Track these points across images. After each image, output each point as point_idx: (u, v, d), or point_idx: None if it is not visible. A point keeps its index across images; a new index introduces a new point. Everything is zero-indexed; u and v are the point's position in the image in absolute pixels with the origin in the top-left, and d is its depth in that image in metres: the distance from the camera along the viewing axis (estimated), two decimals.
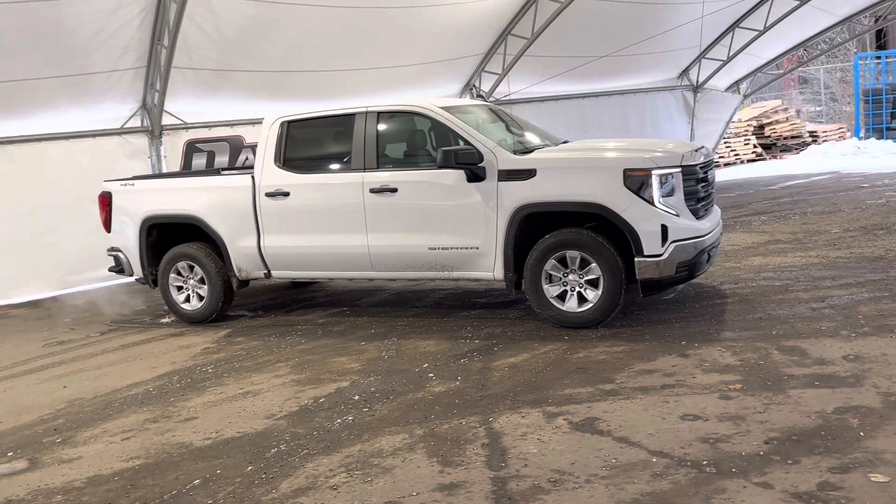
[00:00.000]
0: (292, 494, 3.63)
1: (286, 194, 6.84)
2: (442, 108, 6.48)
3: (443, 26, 11.48)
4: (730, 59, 14.89)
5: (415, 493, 3.50)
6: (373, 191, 6.46)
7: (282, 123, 7.04)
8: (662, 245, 5.63)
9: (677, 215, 5.72)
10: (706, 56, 15.19)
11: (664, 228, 5.63)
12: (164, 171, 10.63)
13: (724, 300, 6.37)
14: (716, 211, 6.56)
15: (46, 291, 9.92)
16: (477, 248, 6.18)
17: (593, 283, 5.87)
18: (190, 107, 10.89)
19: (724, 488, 3.25)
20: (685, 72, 15.61)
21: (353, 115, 6.74)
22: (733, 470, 3.42)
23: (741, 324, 5.64)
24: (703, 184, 6.04)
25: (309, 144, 6.97)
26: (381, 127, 6.62)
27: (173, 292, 7.54)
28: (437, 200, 6.28)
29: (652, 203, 5.64)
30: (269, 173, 6.95)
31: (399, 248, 6.48)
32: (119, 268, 7.90)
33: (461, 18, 11.54)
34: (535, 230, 6.05)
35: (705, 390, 4.40)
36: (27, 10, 8.28)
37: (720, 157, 19.47)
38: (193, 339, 6.89)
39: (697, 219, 5.90)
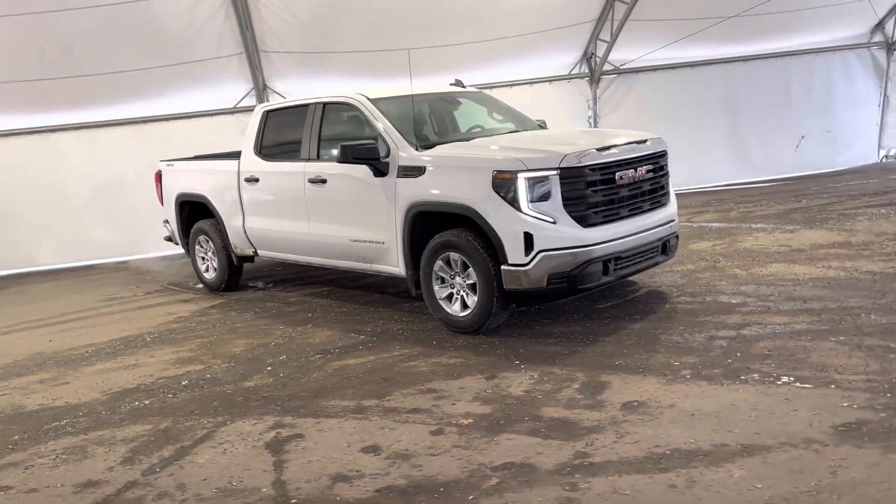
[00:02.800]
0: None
1: (257, 180, 7.34)
2: (373, 98, 6.48)
3: None
4: None
5: (59, 485, 3.87)
6: (310, 181, 6.71)
7: (263, 112, 7.50)
8: (527, 254, 5.22)
9: (553, 222, 5.24)
10: None
11: (528, 236, 5.21)
12: None
13: (645, 317, 5.70)
14: (653, 214, 5.83)
15: (164, 251, 11.49)
16: (383, 244, 6.19)
17: (474, 288, 5.62)
18: (295, 86, 11.76)
19: None
20: (879, 26, 13.19)
21: (307, 105, 7.00)
22: None
23: (607, 348, 5.09)
24: (603, 186, 5.42)
25: (278, 133, 7.35)
26: (323, 117, 6.79)
27: (199, 262, 8.46)
28: (354, 193, 6.36)
29: (518, 208, 5.22)
30: (248, 160, 7.48)
31: (330, 237, 6.69)
32: (170, 237, 9.00)
33: None
34: (435, 228, 5.89)
35: (436, 421, 4.16)
36: (127, 9, 9.56)
37: None
38: (185, 307, 7.74)
39: (587, 226, 5.33)
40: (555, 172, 5.23)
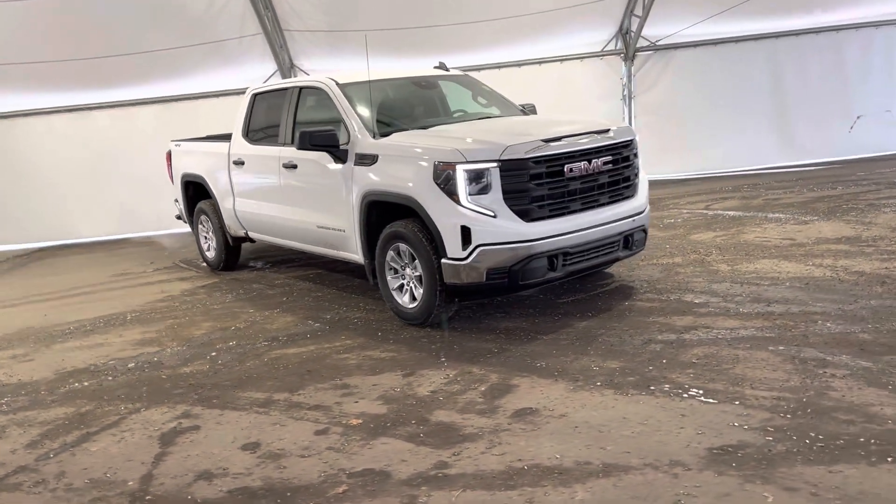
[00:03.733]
0: None
1: (243, 163, 7.43)
2: (343, 83, 6.42)
3: None
4: None
5: None
6: (284, 166, 6.73)
7: (252, 95, 7.56)
8: (464, 248, 5.10)
9: (493, 216, 5.09)
10: None
11: (465, 230, 5.08)
12: None
13: (597, 314, 5.51)
14: (613, 208, 5.58)
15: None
16: (343, 231, 6.17)
17: (422, 281, 5.54)
18: (321, 65, 11.84)
19: None
20: None
21: (286, 89, 7.01)
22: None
23: (539, 347, 4.94)
24: (549, 179, 5.21)
25: (262, 117, 7.37)
26: (298, 102, 6.78)
27: (201, 241, 8.67)
28: (319, 180, 6.35)
29: (457, 200, 5.10)
30: (237, 143, 7.58)
31: (301, 222, 6.71)
32: (180, 216, 9.24)
33: None
34: (390, 218, 5.83)
35: (328, 420, 4.14)
36: None
37: None
38: (178, 286, 7.95)
39: (531, 220, 5.16)
40: (495, 165, 5.06)
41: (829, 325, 4.76)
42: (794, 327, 4.78)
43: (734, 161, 12.21)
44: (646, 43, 11.85)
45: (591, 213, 5.42)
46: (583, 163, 5.32)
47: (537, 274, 5.21)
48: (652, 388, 4.08)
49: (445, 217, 5.13)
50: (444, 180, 5.12)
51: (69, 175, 11.66)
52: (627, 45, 11.85)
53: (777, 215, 8.36)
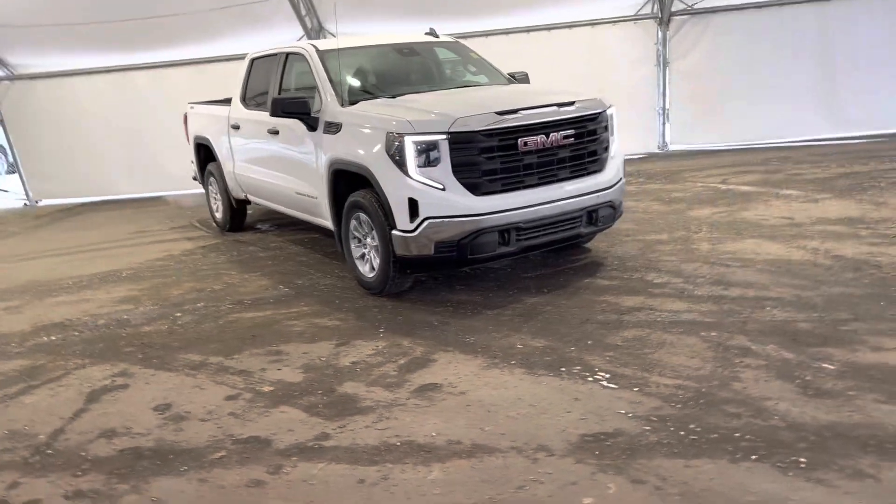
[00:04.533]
0: None
1: (239, 127, 7.58)
2: (323, 49, 6.44)
3: None
4: None
5: None
6: (269, 131, 6.83)
7: (250, 60, 7.67)
8: (412, 220, 5.11)
9: (442, 189, 5.07)
10: None
11: (412, 202, 5.08)
12: None
13: (552, 291, 5.44)
14: (574, 183, 5.47)
15: None
16: (315, 198, 6.25)
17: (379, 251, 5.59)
18: (350, 28, 11.76)
19: None
20: None
21: (276, 54, 7.08)
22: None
23: (478, 322, 4.93)
24: (501, 153, 5.14)
25: (257, 82, 7.47)
26: (284, 68, 6.84)
27: (211, 202, 8.92)
28: (294, 147, 6.43)
29: (406, 172, 5.10)
30: (235, 107, 7.72)
31: (283, 188, 6.83)
32: (195, 176, 9.51)
33: None
34: (354, 187, 5.86)
35: (244, 386, 4.26)
36: None
37: None
38: (182, 246, 8.22)
39: (481, 194, 5.11)
40: (444, 137, 5.01)
41: (775, 311, 4.57)
42: (738, 313, 4.61)
43: (775, 132, 11.68)
44: (682, 6, 11.37)
45: (548, 188, 5.32)
46: (539, 136, 5.20)
47: (487, 248, 5.16)
48: (562, 369, 4.03)
49: (395, 188, 5.13)
50: (395, 151, 5.10)
51: (110, 134, 12.13)
52: (662, 9, 11.40)
53: (790, 192, 7.99)
